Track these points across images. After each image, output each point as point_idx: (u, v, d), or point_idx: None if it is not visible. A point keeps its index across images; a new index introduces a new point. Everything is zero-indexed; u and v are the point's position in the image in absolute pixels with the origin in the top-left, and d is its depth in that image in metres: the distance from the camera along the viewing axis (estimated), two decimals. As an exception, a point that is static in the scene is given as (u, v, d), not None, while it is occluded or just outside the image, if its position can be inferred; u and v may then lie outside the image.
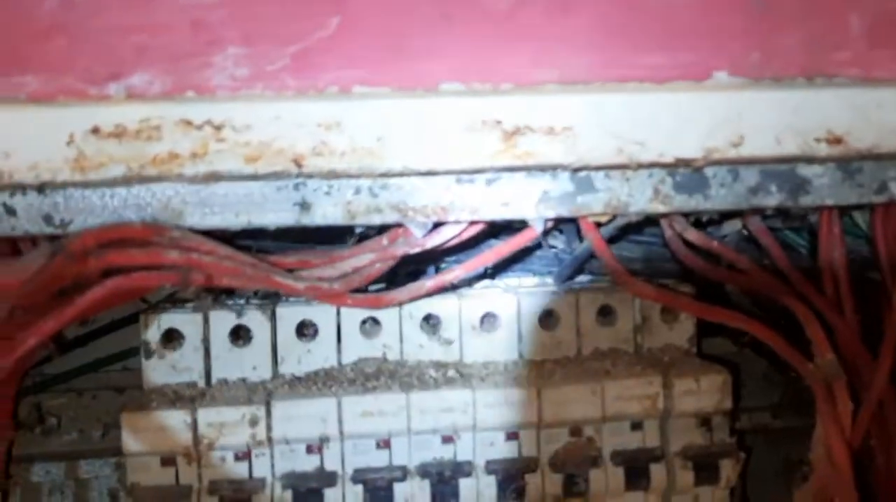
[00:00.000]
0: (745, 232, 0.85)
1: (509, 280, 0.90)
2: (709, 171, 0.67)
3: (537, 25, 0.59)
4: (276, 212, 0.63)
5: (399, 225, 0.68)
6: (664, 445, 0.78)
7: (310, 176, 0.61)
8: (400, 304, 0.76)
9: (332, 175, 0.61)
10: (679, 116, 0.62)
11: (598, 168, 0.65)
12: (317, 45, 0.57)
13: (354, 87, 0.58)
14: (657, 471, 0.78)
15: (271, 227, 0.64)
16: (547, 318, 0.83)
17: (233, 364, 0.77)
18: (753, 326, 0.70)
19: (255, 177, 0.61)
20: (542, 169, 0.63)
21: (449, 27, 0.58)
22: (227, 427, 0.70)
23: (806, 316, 0.70)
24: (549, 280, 0.89)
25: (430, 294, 0.72)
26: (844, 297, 0.80)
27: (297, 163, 0.60)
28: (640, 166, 0.65)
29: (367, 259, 0.67)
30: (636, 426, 0.78)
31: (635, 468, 0.77)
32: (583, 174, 0.66)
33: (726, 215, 0.81)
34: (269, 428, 0.71)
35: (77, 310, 0.51)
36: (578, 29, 0.60)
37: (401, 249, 0.68)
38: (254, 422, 0.70)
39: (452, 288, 0.80)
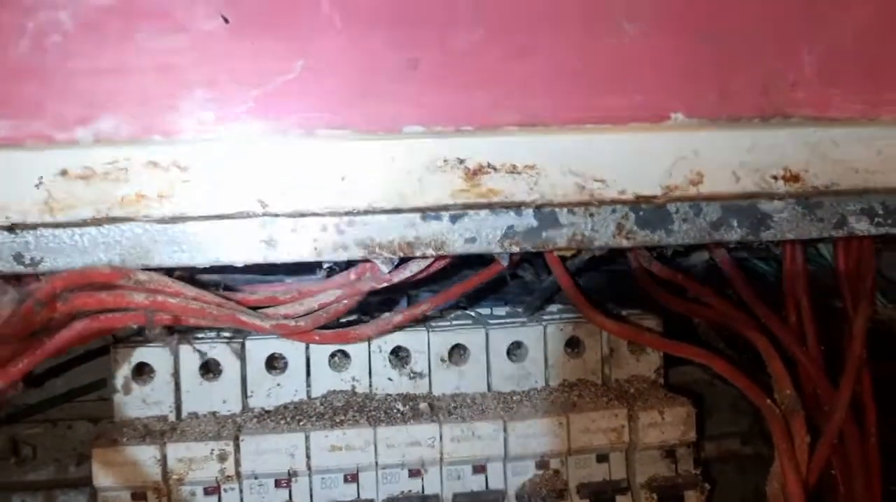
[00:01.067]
0: (711, 261, 0.88)
1: (480, 309, 0.91)
2: (671, 207, 0.69)
3: (498, 69, 0.61)
4: (242, 250, 0.64)
5: (366, 260, 0.69)
6: (630, 477, 0.79)
7: (275, 215, 0.62)
8: (369, 340, 0.77)
9: (298, 213, 0.62)
10: (638, 156, 0.63)
11: (560, 205, 0.66)
12: (281, 88, 0.58)
13: (318, 130, 0.59)
14: (623, 503, 0.79)
15: (238, 264, 0.64)
16: (515, 350, 0.84)
17: (203, 397, 0.77)
18: (715, 362, 0.71)
19: (221, 217, 0.61)
20: (506, 206, 0.65)
21: (413, 72, 0.60)
22: (196, 462, 0.71)
23: (767, 351, 0.72)
24: (520, 309, 0.90)
25: (398, 328, 0.73)
26: (808, 328, 0.82)
27: (262, 203, 0.61)
28: (602, 203, 0.66)
29: (334, 295, 0.68)
30: (602, 458, 0.79)
31: (601, 500, 0.78)
32: (547, 210, 0.67)
33: (693, 246, 0.82)
34: (237, 462, 0.72)
35: (46, 352, 0.52)
36: (537, 72, 0.61)
37: (367, 285, 0.69)
38: (223, 458, 0.71)
39: (422, 319, 0.80)
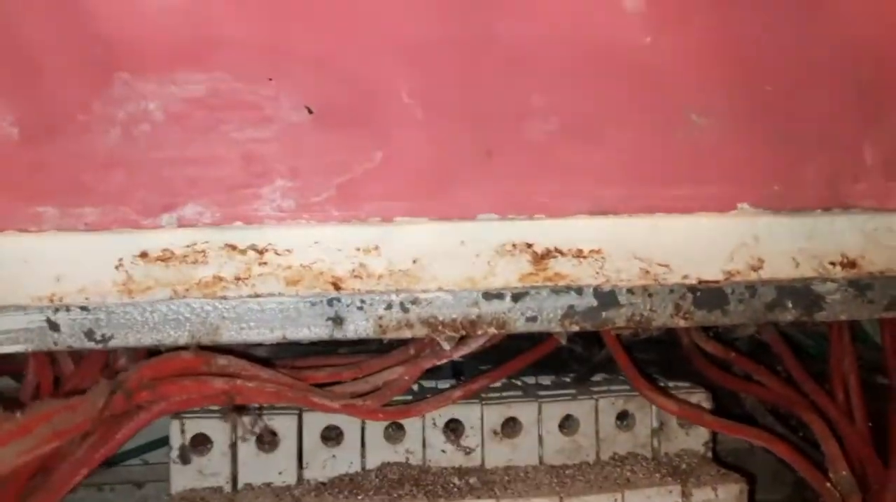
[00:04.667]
0: (756, 335, 0.89)
1: (525, 377, 0.92)
2: (728, 288, 0.70)
3: (572, 158, 0.62)
4: (309, 328, 0.65)
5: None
6: (683, 553, 0.80)
7: (341, 293, 0.63)
8: (423, 425, 0.78)
9: (366, 291, 0.63)
10: (702, 242, 0.65)
11: (623, 287, 0.67)
12: (361, 177, 0.60)
13: (396, 218, 0.61)
14: (675, 579, 0.79)
15: (305, 342, 0.66)
16: (567, 423, 0.84)
17: (259, 469, 0.78)
18: (777, 446, 0.72)
19: (291, 296, 0.63)
20: (570, 288, 0.66)
21: (489, 162, 0.61)
22: None
23: (823, 432, 0.73)
24: (566, 378, 0.91)
25: (455, 402, 0.74)
26: (856, 405, 0.83)
27: (336, 286, 0.62)
28: (663, 286, 0.68)
29: (396, 372, 0.70)
30: None
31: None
32: (607, 289, 0.68)
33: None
34: None
35: (125, 437, 0.53)
36: (608, 162, 0.62)
37: (428, 361, 0.71)
38: None
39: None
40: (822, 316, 0.72)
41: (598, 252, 0.65)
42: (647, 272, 0.66)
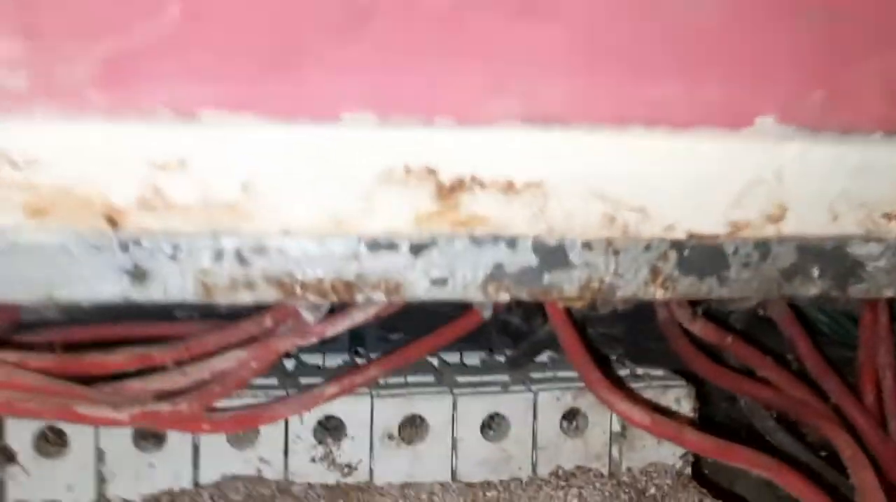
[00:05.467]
0: (760, 312, 0.72)
1: (446, 355, 0.75)
2: (729, 247, 0.55)
3: (493, 35, 0.44)
4: (94, 283, 0.48)
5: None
6: None
7: (140, 235, 0.46)
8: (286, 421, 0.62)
9: (176, 233, 0.46)
10: (698, 177, 0.49)
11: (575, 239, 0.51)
12: (143, 45, 0.41)
13: (203, 112, 0.42)
14: None
15: (85, 304, 0.48)
16: (493, 424, 0.69)
17: (38, 483, 0.60)
18: (788, 478, 0.56)
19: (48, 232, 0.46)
20: (497, 238, 0.50)
21: (364, 28, 0.42)
22: None
23: (853, 456, 0.56)
24: (500, 357, 0.75)
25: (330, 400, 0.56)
26: (890, 409, 0.68)
27: (112, 221, 0.44)
28: (636, 240, 0.52)
29: (235, 359, 0.51)
30: None
31: None
32: (552, 242, 0.52)
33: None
34: None
35: None
36: (554, 41, 0.44)
37: (287, 342, 0.53)
38: None
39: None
40: (860, 290, 0.57)
41: (537, 186, 0.47)
42: (613, 219, 0.49)
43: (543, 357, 0.76)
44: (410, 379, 0.69)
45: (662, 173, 0.48)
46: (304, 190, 0.45)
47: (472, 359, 0.76)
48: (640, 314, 0.75)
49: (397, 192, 0.46)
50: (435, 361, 0.75)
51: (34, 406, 0.44)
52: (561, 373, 0.71)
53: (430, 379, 0.69)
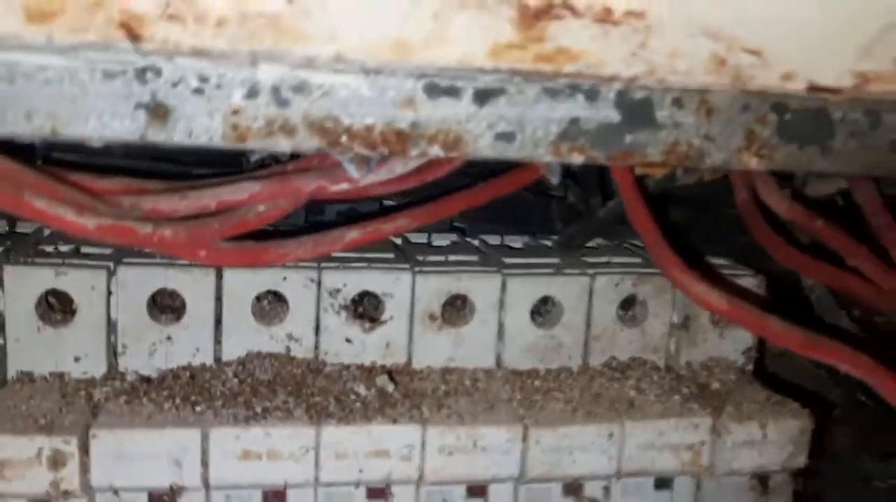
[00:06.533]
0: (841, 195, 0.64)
1: (488, 236, 0.68)
2: (835, 111, 0.47)
3: None
4: (103, 118, 0.40)
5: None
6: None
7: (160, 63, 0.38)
8: (299, 263, 0.54)
9: (204, 55, 0.37)
10: (829, 17, 0.40)
11: (667, 90, 0.43)
12: None
13: None
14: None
15: (95, 143, 0.40)
16: (543, 308, 0.62)
17: (44, 350, 0.53)
18: (880, 377, 0.47)
19: (53, 51, 0.37)
20: (577, 82, 0.42)
21: None
22: (12, 467, 0.46)
23: None
24: (549, 243, 0.68)
25: (352, 248, 0.49)
26: None
27: (132, 32, 0.36)
28: (744, 92, 0.43)
29: (246, 191, 0.43)
30: (662, 484, 0.58)
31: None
32: (638, 95, 0.44)
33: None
34: (84, 469, 0.48)
35: None
36: None
37: (312, 183, 0.45)
38: (57, 462, 0.46)
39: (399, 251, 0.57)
40: None
41: (639, 16, 0.38)
42: (723, 62, 0.40)
43: (596, 243, 0.70)
44: (453, 257, 0.61)
45: (786, 12, 0.39)
46: (364, 2, 0.37)
47: (516, 242, 0.70)
48: (705, 199, 0.68)
49: (472, 15, 0.38)
50: (476, 242, 0.68)
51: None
52: (617, 260, 0.64)
53: (475, 257, 0.62)
